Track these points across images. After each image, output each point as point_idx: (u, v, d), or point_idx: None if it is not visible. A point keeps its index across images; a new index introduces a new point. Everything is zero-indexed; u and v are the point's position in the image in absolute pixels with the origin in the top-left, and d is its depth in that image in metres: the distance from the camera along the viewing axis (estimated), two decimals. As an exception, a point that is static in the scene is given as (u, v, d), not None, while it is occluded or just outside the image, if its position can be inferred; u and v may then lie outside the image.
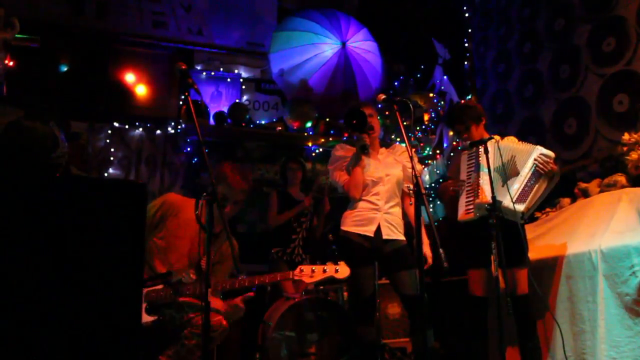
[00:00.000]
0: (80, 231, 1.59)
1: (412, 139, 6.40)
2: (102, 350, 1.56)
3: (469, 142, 3.42)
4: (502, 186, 3.16)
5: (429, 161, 6.62)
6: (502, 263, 2.81)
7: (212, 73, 6.48)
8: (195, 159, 6.05)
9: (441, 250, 2.48)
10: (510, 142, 3.38)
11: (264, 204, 5.69)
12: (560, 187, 3.34)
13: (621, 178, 3.87)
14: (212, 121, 6.07)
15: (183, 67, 2.60)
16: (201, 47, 6.65)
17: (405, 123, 3.28)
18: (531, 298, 3.24)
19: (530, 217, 3.59)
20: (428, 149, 6.69)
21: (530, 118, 5.70)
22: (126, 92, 6.04)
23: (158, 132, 6.09)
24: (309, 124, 6.22)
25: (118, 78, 6.04)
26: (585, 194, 4.07)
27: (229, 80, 6.53)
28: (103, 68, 6.07)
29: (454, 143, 6.37)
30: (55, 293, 1.52)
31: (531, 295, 3.22)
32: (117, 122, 5.93)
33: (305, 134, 6.25)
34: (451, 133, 6.42)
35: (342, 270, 2.94)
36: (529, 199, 3.14)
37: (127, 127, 5.99)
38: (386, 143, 4.50)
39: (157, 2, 6.46)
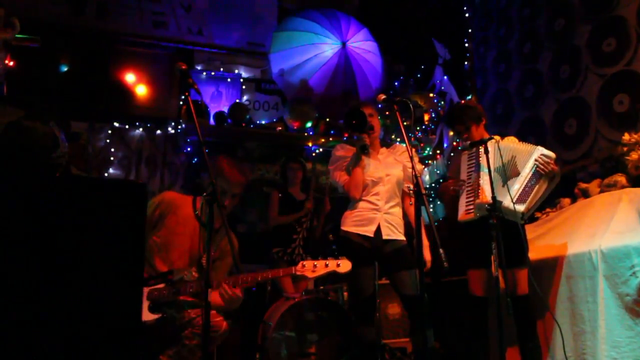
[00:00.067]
0: (80, 231, 1.59)
1: (412, 139, 6.40)
2: (102, 350, 1.55)
3: (469, 142, 3.42)
4: (503, 186, 3.16)
5: (429, 161, 6.62)
6: (502, 263, 2.81)
7: (213, 73, 6.48)
8: (196, 159, 6.05)
9: (441, 250, 2.47)
10: (511, 143, 3.38)
11: (264, 204, 5.69)
12: (561, 188, 3.34)
13: (621, 178, 3.87)
14: (212, 121, 6.07)
15: (183, 67, 2.60)
16: (201, 47, 6.65)
17: (405, 123, 3.28)
18: (531, 298, 3.23)
19: (530, 217, 3.59)
20: (428, 149, 6.69)
21: (531, 118, 5.70)
22: (126, 92, 6.05)
23: (158, 132, 6.09)
24: (309, 124, 6.22)
25: (118, 78, 6.04)
26: (586, 194, 4.06)
27: (229, 80, 6.53)
28: (103, 68, 6.07)
29: (454, 143, 6.37)
30: (55, 293, 1.52)
31: (531, 295, 3.22)
32: (117, 122, 5.93)
33: (306, 134, 6.25)
34: (451, 133, 6.42)
35: (344, 265, 2.94)
36: (529, 199, 3.14)
37: (127, 127, 5.99)
38: (386, 143, 4.50)
39: (157, 2, 6.47)
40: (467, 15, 7.10)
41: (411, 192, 2.69)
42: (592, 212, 3.62)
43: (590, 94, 4.93)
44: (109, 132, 5.90)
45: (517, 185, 3.17)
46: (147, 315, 2.78)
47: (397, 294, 3.35)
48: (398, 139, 6.19)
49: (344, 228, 3.36)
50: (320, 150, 6.43)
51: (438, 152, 6.72)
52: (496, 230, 2.85)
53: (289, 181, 5.21)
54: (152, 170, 6.02)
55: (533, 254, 3.44)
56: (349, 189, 3.32)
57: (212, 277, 2.61)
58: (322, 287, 4.57)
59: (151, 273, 2.94)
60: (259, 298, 4.44)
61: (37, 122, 2.35)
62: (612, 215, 3.36)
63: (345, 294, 4.43)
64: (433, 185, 6.48)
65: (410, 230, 3.26)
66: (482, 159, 3.20)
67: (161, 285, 2.85)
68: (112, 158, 5.87)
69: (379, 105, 3.41)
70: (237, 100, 6.38)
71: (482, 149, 3.17)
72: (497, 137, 3.32)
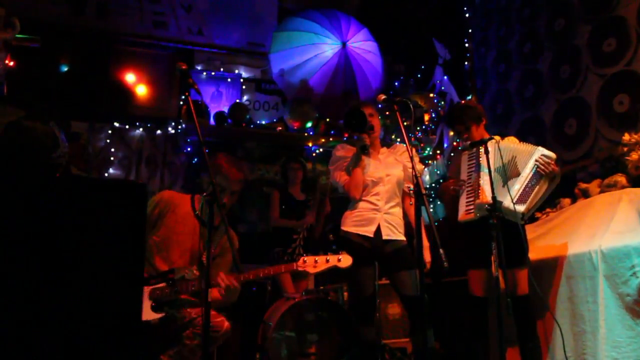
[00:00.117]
0: (80, 231, 1.59)
1: (413, 139, 6.39)
2: (103, 350, 1.56)
3: (469, 142, 3.42)
4: (503, 187, 3.16)
5: (429, 161, 6.62)
6: (503, 263, 2.81)
7: (213, 73, 6.48)
8: (196, 159, 6.05)
9: (441, 251, 2.47)
10: (511, 143, 3.38)
11: (264, 204, 5.69)
12: (561, 188, 3.34)
13: (621, 178, 3.87)
14: (212, 121, 6.07)
15: (183, 67, 2.61)
16: (201, 47, 6.65)
17: (405, 123, 3.28)
18: (531, 298, 3.23)
19: (530, 217, 3.59)
20: (428, 149, 6.69)
21: (531, 118, 5.70)
22: (126, 92, 6.05)
23: (158, 132, 6.09)
24: (309, 124, 6.22)
25: (118, 78, 6.04)
26: (586, 194, 4.06)
27: (229, 80, 6.53)
28: (103, 68, 6.07)
29: (455, 143, 6.37)
30: (55, 293, 1.52)
31: (531, 295, 3.22)
32: (117, 122, 5.93)
33: (306, 134, 6.25)
34: (451, 133, 6.42)
35: (345, 260, 2.95)
36: (529, 199, 3.14)
37: (127, 127, 6.00)
38: (387, 143, 4.50)
39: (157, 2, 6.47)
40: (467, 15, 7.10)
41: (411, 192, 2.69)
42: (592, 213, 3.62)
43: (590, 94, 4.93)
44: (109, 132, 5.90)
45: (517, 186, 3.16)
46: (151, 315, 2.78)
47: (397, 294, 3.36)
48: (398, 139, 6.19)
49: (344, 228, 3.36)
50: (321, 150, 6.43)
51: (438, 152, 6.72)
52: (496, 231, 2.85)
53: (289, 181, 5.21)
54: (152, 171, 6.03)
55: (533, 254, 3.44)
56: (349, 189, 3.32)
57: (212, 274, 2.62)
58: (322, 287, 4.57)
59: (152, 273, 2.94)
60: (259, 298, 4.44)
61: (37, 122, 2.34)
62: (612, 215, 3.36)
63: (345, 294, 4.43)
64: (433, 185, 6.48)
65: (411, 230, 3.26)
66: (483, 159, 3.20)
67: (163, 285, 2.86)
68: (112, 158, 5.87)
69: (379, 106, 3.41)
70: (237, 101, 6.38)
71: (482, 149, 3.17)
72: (497, 137, 3.32)
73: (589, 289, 3.15)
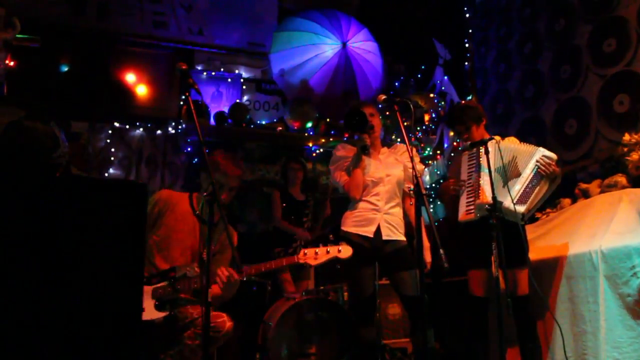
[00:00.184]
0: (80, 231, 1.59)
1: (413, 139, 6.39)
2: (103, 350, 1.55)
3: (469, 142, 3.42)
4: (503, 187, 3.16)
5: (430, 161, 6.62)
6: (503, 263, 2.81)
7: (213, 73, 6.48)
8: (196, 159, 6.05)
9: (441, 251, 2.47)
10: (512, 143, 3.38)
11: (264, 204, 5.69)
12: (561, 188, 3.33)
13: (622, 179, 3.87)
14: (212, 121, 6.07)
15: (184, 67, 2.61)
16: (202, 47, 6.65)
17: (405, 123, 3.28)
18: (531, 298, 3.23)
19: (530, 217, 3.59)
20: (428, 149, 6.69)
21: (531, 118, 5.71)
22: (127, 92, 6.04)
23: (158, 132, 6.09)
24: (309, 124, 6.22)
25: (118, 78, 6.04)
26: (586, 194, 4.06)
27: (229, 80, 6.53)
28: (103, 68, 6.07)
29: (455, 143, 6.37)
30: (55, 293, 1.52)
31: (531, 295, 3.22)
32: (117, 122, 5.93)
33: (306, 134, 6.25)
34: (452, 133, 6.42)
35: (345, 250, 2.96)
36: (529, 200, 3.14)
37: (127, 127, 5.99)
38: (387, 143, 4.50)
39: (157, 2, 6.47)
40: (467, 15, 7.10)
41: (411, 192, 2.69)
42: (592, 213, 3.61)
43: (590, 94, 4.93)
44: (109, 132, 5.90)
45: (518, 186, 3.16)
46: (154, 314, 2.79)
47: (397, 294, 3.35)
48: (398, 139, 6.19)
49: (344, 228, 3.36)
50: (321, 150, 6.43)
51: (438, 152, 6.72)
52: (496, 231, 2.85)
53: (289, 181, 5.21)
54: (153, 171, 6.02)
55: (533, 254, 3.44)
56: (349, 190, 3.32)
57: (212, 270, 2.63)
58: (322, 288, 4.57)
59: (153, 272, 2.94)
60: (259, 298, 4.44)
61: (37, 122, 2.35)
62: (613, 215, 3.36)
63: (346, 294, 4.43)
64: (433, 185, 6.48)
65: (411, 230, 3.26)
66: (483, 160, 3.20)
67: (165, 283, 2.87)
68: (112, 158, 5.87)
69: (380, 106, 3.41)
70: (238, 101, 6.38)
71: (482, 150, 3.18)
72: (497, 138, 3.32)
73: (590, 289, 3.15)
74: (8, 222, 1.51)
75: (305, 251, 2.97)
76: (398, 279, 3.25)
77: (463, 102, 6.30)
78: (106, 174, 5.77)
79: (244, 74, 6.75)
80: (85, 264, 1.57)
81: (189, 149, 6.10)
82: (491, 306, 3.31)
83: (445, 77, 7.03)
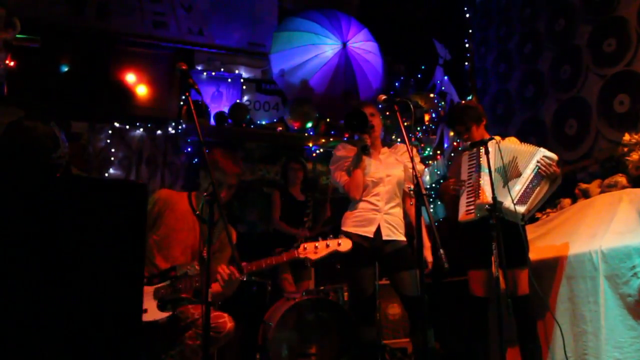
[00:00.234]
0: (80, 231, 1.59)
1: (413, 139, 6.39)
2: (103, 350, 1.55)
3: (469, 142, 3.42)
4: (503, 187, 3.16)
5: (430, 162, 6.62)
6: (503, 263, 2.81)
7: (213, 73, 6.48)
8: (196, 159, 6.05)
9: (441, 251, 2.47)
10: (512, 143, 3.38)
11: (264, 204, 5.68)
12: (561, 188, 3.33)
13: (622, 179, 3.87)
14: (212, 121, 6.07)
15: (184, 67, 2.61)
16: (202, 48, 6.65)
17: (405, 123, 3.28)
18: (532, 298, 3.23)
19: (530, 217, 3.59)
20: (429, 149, 6.69)
21: (531, 119, 5.70)
22: (127, 92, 6.05)
23: (159, 132, 6.09)
24: (309, 125, 6.22)
25: (119, 78, 6.04)
26: (586, 194, 4.06)
27: (229, 80, 6.53)
28: (104, 68, 6.07)
29: (455, 143, 6.37)
30: (55, 293, 1.52)
31: (532, 295, 3.22)
32: (117, 122, 5.93)
33: (306, 134, 6.25)
34: (452, 133, 6.42)
35: (345, 244, 2.96)
36: (530, 200, 3.13)
37: (127, 127, 5.99)
38: (388, 143, 4.50)
39: (157, 2, 6.47)
40: (467, 15, 7.10)
41: (412, 192, 2.69)
42: (592, 213, 3.61)
43: (590, 95, 4.93)
44: (110, 132, 5.90)
45: (518, 186, 3.16)
46: (158, 314, 2.79)
47: (397, 294, 3.35)
48: (398, 139, 6.19)
49: (344, 228, 3.35)
50: (321, 150, 6.43)
51: (438, 152, 6.71)
52: (497, 231, 2.85)
53: (289, 181, 5.20)
54: (153, 171, 6.02)
55: (533, 255, 3.44)
56: (349, 190, 3.32)
57: (213, 268, 2.63)
58: (322, 288, 4.57)
59: (154, 272, 2.95)
60: (260, 298, 4.44)
61: (37, 122, 2.35)
62: (613, 215, 3.35)
63: (346, 294, 4.43)
64: (433, 185, 6.48)
65: (411, 230, 3.26)
66: (483, 160, 3.20)
67: (167, 283, 2.87)
68: (112, 158, 5.87)
69: (380, 106, 3.41)
70: (238, 101, 6.38)
71: (482, 150, 3.17)
72: (497, 138, 3.32)
73: (590, 289, 3.15)
74: (8, 222, 1.51)
75: (305, 246, 2.97)
76: (398, 279, 3.25)
77: (463, 102, 6.30)
78: (106, 174, 5.77)
79: (244, 74, 6.75)
80: (85, 264, 1.57)
81: (189, 149, 6.10)
82: (491, 306, 3.31)
83: (446, 77, 7.03)
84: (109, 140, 5.88)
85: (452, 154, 6.27)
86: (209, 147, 2.87)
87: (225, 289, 2.92)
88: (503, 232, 2.89)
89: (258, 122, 6.45)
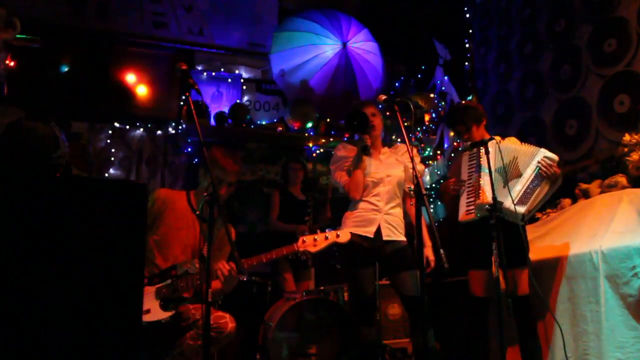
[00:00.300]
0: (80, 232, 1.59)
1: (413, 139, 6.39)
2: (103, 350, 1.55)
3: (469, 142, 3.42)
4: (504, 187, 3.16)
5: (430, 162, 6.62)
6: (503, 263, 2.81)
7: (213, 73, 6.49)
8: (196, 160, 6.05)
9: (442, 251, 2.47)
10: (512, 143, 3.38)
11: (264, 204, 5.68)
12: (561, 188, 3.33)
13: (622, 179, 3.86)
14: (212, 122, 6.07)
15: (184, 67, 2.61)
16: (202, 48, 6.65)
17: (406, 123, 3.28)
18: (532, 298, 3.23)
19: (530, 217, 3.59)
20: (429, 149, 6.69)
21: (531, 119, 5.70)
22: (127, 93, 6.05)
23: (159, 132, 6.09)
24: (309, 125, 6.22)
25: (119, 78, 6.04)
26: (586, 194, 4.06)
27: (229, 80, 6.53)
28: (104, 68, 6.07)
29: (455, 144, 6.37)
30: (54, 293, 1.52)
31: (532, 295, 3.22)
32: (117, 123, 5.93)
33: (306, 134, 6.25)
34: (452, 134, 6.42)
35: (343, 235, 2.97)
36: (530, 201, 3.13)
37: (127, 127, 6.00)
38: (388, 143, 4.49)
39: (157, 2, 6.47)
40: (467, 15, 7.10)
41: (412, 192, 2.69)
42: (592, 213, 3.61)
43: (590, 95, 4.92)
44: (110, 132, 5.90)
45: (518, 187, 3.16)
46: (161, 314, 2.80)
47: (397, 294, 3.36)
48: (399, 139, 6.19)
49: (344, 228, 3.35)
50: (321, 150, 6.43)
51: (439, 152, 6.71)
52: (497, 231, 2.85)
53: (289, 181, 5.20)
54: (153, 171, 6.03)
55: (533, 255, 3.43)
56: (349, 190, 3.32)
57: (212, 266, 2.64)
58: (322, 288, 4.57)
59: (153, 271, 2.95)
60: (260, 298, 4.44)
61: (37, 123, 2.35)
62: (613, 215, 3.35)
63: (346, 294, 4.43)
64: (434, 185, 6.48)
65: (412, 230, 3.26)
66: (483, 160, 3.20)
67: (168, 282, 2.87)
68: (112, 158, 5.87)
69: (380, 106, 3.41)
70: (238, 101, 6.38)
71: (482, 150, 3.17)
72: (497, 138, 3.32)
73: (591, 289, 3.14)
74: (8, 222, 1.51)
75: (304, 239, 2.98)
76: (398, 280, 3.25)
77: (463, 102, 6.30)
78: (106, 174, 5.78)
79: (244, 74, 6.75)
80: (85, 264, 1.57)
81: (189, 150, 6.11)
82: (491, 306, 3.31)
83: (446, 77, 7.03)
84: (109, 141, 5.88)
85: (452, 154, 6.27)
86: (209, 147, 2.87)
87: (225, 285, 2.94)
88: (503, 232, 2.89)
89: (258, 122, 6.45)
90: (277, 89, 6.63)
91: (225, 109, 6.21)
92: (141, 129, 6.05)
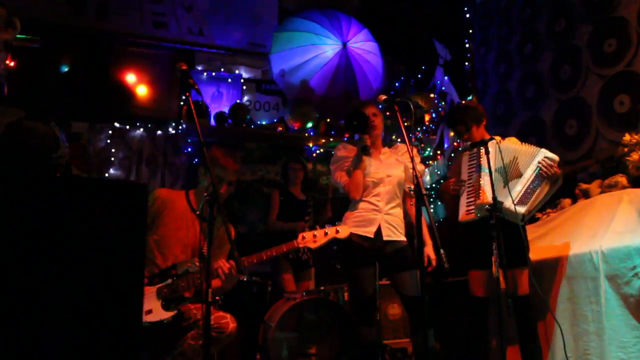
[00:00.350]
0: (80, 232, 1.59)
1: (413, 139, 6.39)
2: (103, 350, 1.55)
3: (469, 142, 3.42)
4: (504, 187, 3.16)
5: (430, 162, 6.62)
6: (503, 264, 2.81)
7: (213, 73, 6.49)
8: (196, 160, 6.05)
9: (442, 251, 2.48)
10: (512, 143, 3.38)
11: (264, 204, 5.68)
12: (561, 188, 3.33)
13: (622, 179, 3.86)
14: (213, 122, 6.07)
15: (184, 67, 2.61)
16: (202, 48, 6.65)
17: (406, 123, 3.28)
18: (532, 299, 3.23)
19: (531, 217, 3.59)
20: (429, 149, 6.69)
21: (531, 119, 5.70)
22: (127, 93, 6.05)
23: (159, 132, 6.09)
24: (309, 125, 6.22)
25: (119, 78, 6.05)
26: (586, 194, 4.06)
27: (229, 80, 6.53)
28: (104, 68, 6.07)
29: (455, 144, 6.37)
30: (54, 293, 1.52)
31: (532, 295, 3.22)
32: (117, 123, 5.93)
33: (306, 134, 6.25)
34: (452, 134, 6.42)
35: (343, 231, 2.98)
36: (530, 201, 3.13)
37: (127, 127, 6.00)
38: (389, 143, 4.50)
39: (158, 2, 6.47)
40: (467, 15, 7.10)
41: (412, 192, 2.69)
42: (592, 213, 3.61)
43: (590, 95, 4.92)
44: (110, 132, 5.90)
45: (519, 187, 3.16)
46: (163, 314, 2.80)
47: (397, 294, 3.36)
48: (399, 139, 6.19)
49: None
50: (321, 150, 6.43)
51: (439, 152, 6.71)
52: (497, 231, 2.85)
53: (290, 181, 5.20)
54: (153, 171, 6.03)
55: (534, 255, 3.43)
56: (349, 190, 3.32)
57: (212, 264, 2.65)
58: (322, 288, 4.57)
59: (153, 271, 2.95)
60: (260, 298, 4.44)
61: (37, 123, 2.35)
62: (613, 215, 3.35)
63: (346, 294, 4.43)
64: (434, 185, 6.48)
65: (412, 230, 3.27)
66: (483, 160, 3.20)
67: (169, 282, 2.88)
68: (112, 158, 5.87)
69: (380, 106, 3.42)
70: (238, 101, 6.38)
71: (482, 150, 3.17)
72: (497, 138, 3.32)
73: (591, 289, 3.14)
74: (8, 222, 1.51)
75: (304, 235, 2.98)
76: (398, 280, 3.25)
77: (463, 102, 6.30)
78: (106, 175, 5.78)
79: (245, 74, 6.75)
80: (85, 264, 1.57)
81: (189, 150, 6.11)
82: (491, 306, 3.31)
83: (446, 78, 7.03)
84: (109, 141, 5.88)
85: (452, 154, 6.27)
86: (209, 147, 2.88)
87: (225, 283, 2.95)
88: (503, 232, 2.89)
89: (258, 122, 6.45)
90: (277, 89, 6.63)
91: (225, 109, 6.21)
92: (141, 129, 6.05)
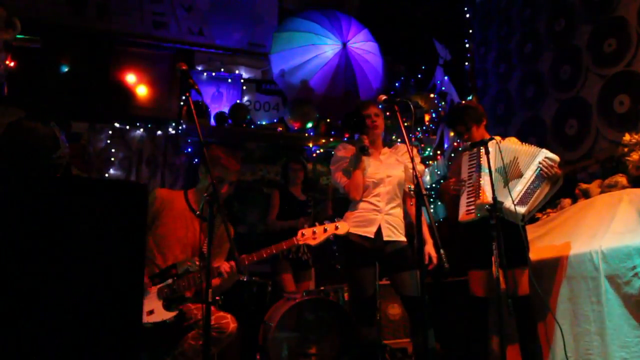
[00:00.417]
0: (80, 232, 1.59)
1: (413, 139, 6.39)
2: (103, 351, 1.55)
3: (469, 142, 3.42)
4: (504, 187, 3.16)
5: (430, 162, 6.62)
6: (503, 264, 2.81)
7: (213, 74, 6.48)
8: (196, 160, 6.05)
9: (442, 251, 2.48)
10: (512, 143, 3.38)
11: (264, 205, 5.68)
12: (561, 188, 3.33)
13: (622, 179, 3.86)
14: (213, 122, 6.07)
15: (184, 67, 2.62)
16: (202, 48, 6.65)
17: (406, 124, 3.28)
18: (532, 299, 3.23)
19: (531, 217, 3.59)
20: (429, 149, 6.69)
21: (531, 119, 5.70)
22: (127, 93, 6.05)
23: (159, 132, 6.09)
24: (309, 125, 6.22)
25: (119, 78, 6.05)
26: (586, 194, 4.06)
27: (229, 80, 6.53)
28: (104, 68, 6.08)
29: (455, 144, 6.37)
30: (55, 294, 1.52)
31: (532, 295, 3.22)
32: (117, 123, 5.93)
33: (306, 134, 6.25)
34: (452, 134, 6.42)
35: (342, 227, 2.98)
36: (530, 201, 3.13)
37: (127, 127, 6.00)
38: (389, 143, 4.50)
39: (158, 2, 6.47)
40: (467, 15, 7.10)
41: (412, 192, 2.69)
42: (592, 213, 3.61)
43: (590, 95, 4.92)
44: (110, 132, 5.90)
45: (519, 187, 3.16)
46: (165, 314, 2.81)
47: (397, 294, 3.36)
48: (399, 139, 6.19)
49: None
50: (321, 150, 6.43)
51: (439, 152, 6.71)
52: (497, 231, 2.85)
53: (290, 181, 5.19)
54: (153, 171, 6.03)
55: (534, 255, 3.43)
56: (349, 190, 3.33)
57: (212, 264, 2.66)
58: (322, 288, 4.57)
59: (153, 271, 2.95)
60: (260, 298, 4.44)
61: (38, 123, 2.35)
62: (613, 215, 3.35)
63: (346, 294, 4.43)
64: (434, 185, 6.48)
65: (412, 231, 3.27)
66: (483, 160, 3.20)
67: (169, 281, 2.88)
68: (112, 158, 5.87)
69: (380, 106, 3.42)
70: (238, 101, 6.38)
71: (482, 150, 3.17)
72: (497, 138, 3.32)
73: (592, 289, 3.14)
74: (8, 222, 1.51)
75: (303, 232, 2.99)
76: (398, 280, 3.25)
77: (463, 102, 6.30)
78: (106, 175, 5.77)
79: (244, 75, 6.75)
80: (85, 264, 1.57)
81: (189, 150, 6.10)
82: (491, 307, 3.31)
83: (446, 78, 7.03)
84: (109, 141, 5.88)
85: (452, 154, 6.27)
86: (209, 147, 2.89)
87: (224, 282, 2.96)
88: (503, 232, 2.89)
89: (258, 122, 6.45)
90: (277, 89, 6.62)
91: (225, 109, 6.21)
92: (141, 129, 6.05)
